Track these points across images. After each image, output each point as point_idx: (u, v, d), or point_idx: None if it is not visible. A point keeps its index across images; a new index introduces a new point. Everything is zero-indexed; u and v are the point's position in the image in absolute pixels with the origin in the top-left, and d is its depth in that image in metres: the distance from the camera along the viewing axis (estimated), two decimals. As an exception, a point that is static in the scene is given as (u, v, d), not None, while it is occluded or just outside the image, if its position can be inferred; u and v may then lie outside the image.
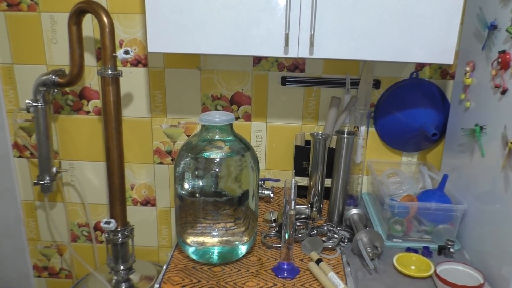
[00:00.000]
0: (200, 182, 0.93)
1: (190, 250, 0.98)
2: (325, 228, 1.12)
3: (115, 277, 1.30)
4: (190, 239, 0.97)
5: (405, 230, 1.09)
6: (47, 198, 1.40)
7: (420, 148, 1.33)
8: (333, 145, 1.27)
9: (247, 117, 1.35)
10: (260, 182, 1.31)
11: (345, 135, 1.10)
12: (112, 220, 1.22)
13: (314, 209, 1.21)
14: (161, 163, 1.43)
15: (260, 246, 1.07)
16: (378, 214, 1.21)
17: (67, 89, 1.37)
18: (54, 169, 1.36)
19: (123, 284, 1.30)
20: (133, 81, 1.35)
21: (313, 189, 1.20)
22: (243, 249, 1.01)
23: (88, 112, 1.39)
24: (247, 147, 0.98)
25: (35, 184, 1.33)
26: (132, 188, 1.46)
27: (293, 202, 0.93)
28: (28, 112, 1.30)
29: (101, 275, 1.32)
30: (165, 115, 1.37)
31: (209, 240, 0.96)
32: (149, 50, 1.03)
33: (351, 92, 1.29)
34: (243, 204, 0.97)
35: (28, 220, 1.53)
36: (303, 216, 1.18)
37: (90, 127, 1.40)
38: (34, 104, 1.27)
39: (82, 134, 1.41)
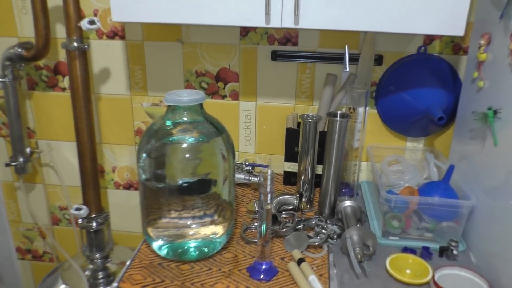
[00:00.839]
0: (165, 170, 0.81)
1: (156, 245, 0.87)
2: (313, 222, 1.00)
3: (91, 266, 1.21)
4: (156, 233, 0.87)
5: (403, 226, 0.96)
6: (21, 180, 1.31)
7: (428, 133, 1.18)
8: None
9: (235, 96, 1.22)
10: (248, 168, 1.19)
11: (338, 118, 0.97)
12: (83, 207, 1.12)
13: (303, 199, 1.08)
14: (143, 144, 1.32)
15: (238, 241, 0.96)
16: (375, 207, 1.08)
17: (41, 64, 1.26)
18: (28, 150, 1.27)
19: (100, 273, 1.21)
20: (110, 55, 1.22)
21: (302, 177, 1.07)
22: (217, 244, 0.90)
23: (64, 89, 1.28)
24: (220, 130, 0.86)
25: (6, 165, 1.24)
26: (113, 171, 1.36)
27: (269, 196, 0.80)
28: (-4, 88, 1.20)
29: (78, 262, 1.24)
30: (146, 93, 1.25)
31: (176, 234, 0.85)
32: (113, 19, 0.90)
33: (350, 68, 1.14)
34: (213, 194, 0.85)
35: (8, 202, 1.46)
36: (291, 207, 1.06)
37: (66, 105, 1.29)
38: (1, 80, 1.16)
39: (58, 113, 1.30)
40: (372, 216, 1.05)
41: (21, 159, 1.26)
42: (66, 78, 1.27)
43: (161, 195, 0.83)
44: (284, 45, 1.15)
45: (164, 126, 0.83)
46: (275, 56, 1.16)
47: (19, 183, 1.42)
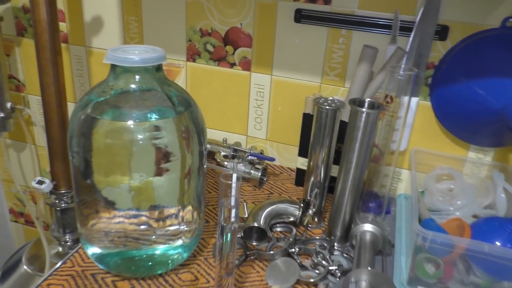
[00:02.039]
0: (102, 157, 0.57)
1: (91, 252, 0.65)
2: (314, 246, 0.72)
3: (60, 248, 1.03)
4: (90, 236, 0.64)
5: (440, 275, 0.65)
6: (2, 137, 1.15)
7: (501, 143, 0.84)
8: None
9: (246, 65, 0.95)
10: (250, 157, 0.92)
11: (364, 109, 0.67)
12: (46, 180, 0.92)
13: (309, 211, 0.80)
14: (138, 113, 1.09)
15: (207, 257, 0.71)
16: (409, 236, 0.78)
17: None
18: (9, 105, 1.09)
19: (70, 257, 1.02)
20: (102, 1, 0.99)
21: (311, 179, 0.79)
22: (174, 258, 0.65)
23: (53, 38, 1.07)
24: (183, 104, 0.60)
25: (-17, 120, 1.08)
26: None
27: (233, 211, 0.54)
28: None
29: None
30: (142, 51, 1.01)
31: (118, 239, 0.62)
32: None
33: (398, 41, 0.81)
34: (170, 191, 0.60)
35: (-1, 159, 1.32)
36: (291, 218, 0.78)
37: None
38: (-25, 19, 0.98)
39: (48, 65, 1.11)
40: (401, 249, 0.75)
41: (1, 114, 1.09)
42: (64, 25, 1.06)
43: (97, 189, 0.59)
44: (313, 2, 0.85)
45: (104, 96, 0.58)
46: (300, 16, 0.86)
47: (10, 140, 1.26)
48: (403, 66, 0.72)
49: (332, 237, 0.76)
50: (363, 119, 0.66)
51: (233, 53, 0.95)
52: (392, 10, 0.81)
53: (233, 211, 0.54)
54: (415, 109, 0.85)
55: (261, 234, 0.74)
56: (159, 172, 0.57)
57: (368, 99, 0.70)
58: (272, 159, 0.91)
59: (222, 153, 0.97)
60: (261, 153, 0.96)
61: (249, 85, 0.96)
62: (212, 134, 1.04)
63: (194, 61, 0.98)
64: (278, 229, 0.79)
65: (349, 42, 0.86)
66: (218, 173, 0.96)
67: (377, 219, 0.81)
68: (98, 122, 0.56)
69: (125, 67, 0.57)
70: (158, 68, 0.59)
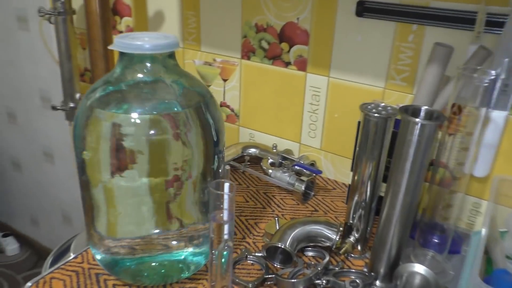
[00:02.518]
0: (106, 154, 0.53)
1: (97, 254, 0.60)
2: (348, 282, 0.59)
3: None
4: (97, 239, 0.59)
5: None
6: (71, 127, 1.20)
7: None
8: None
9: (302, 64, 0.85)
10: (296, 168, 0.82)
11: (418, 119, 0.52)
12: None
13: (351, 237, 0.67)
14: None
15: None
16: None
17: (101, 0, 1.09)
18: (78, 95, 1.13)
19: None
20: (164, -5, 0.98)
21: (355, 198, 0.66)
22: (182, 267, 0.59)
23: (121, 32, 1.09)
24: (189, 98, 0.53)
25: (53, 108, 1.13)
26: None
27: (226, 227, 0.45)
28: (50, 22, 1.07)
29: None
30: (199, 47, 0.97)
31: (124, 245, 0.57)
32: None
33: (482, 38, 0.65)
34: (175, 195, 0.53)
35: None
36: (327, 244, 0.66)
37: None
38: (50, 12, 1.02)
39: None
40: (462, 301, 0.59)
41: (71, 104, 1.13)
42: (124, 20, 1.07)
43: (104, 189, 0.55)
44: (379, -8, 0.73)
45: (111, 87, 0.53)
46: (362, 9, 0.74)
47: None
48: (490, 70, 0.56)
49: (373, 274, 0.62)
50: (416, 132, 0.52)
51: (289, 51, 0.85)
52: (477, 1, 0.65)
53: (226, 227, 0.45)
54: (503, 126, 0.67)
55: (288, 255, 0.64)
56: (152, 172, 0.50)
57: (425, 107, 0.55)
58: (319, 172, 0.80)
59: (270, 160, 0.88)
60: (312, 164, 0.85)
61: (304, 87, 0.86)
62: (263, 138, 0.96)
63: (248, 58, 0.91)
64: (310, 254, 0.67)
65: (420, 40, 0.71)
66: (262, 182, 0.88)
67: (438, 258, 0.65)
68: (102, 116, 0.51)
69: (135, 55, 0.51)
70: (170, 56, 0.52)
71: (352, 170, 0.76)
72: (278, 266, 0.64)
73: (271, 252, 0.65)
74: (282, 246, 0.62)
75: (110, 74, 0.54)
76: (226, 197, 0.43)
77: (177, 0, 0.96)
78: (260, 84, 0.92)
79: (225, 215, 0.44)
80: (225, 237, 0.45)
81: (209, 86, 1.00)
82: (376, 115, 0.59)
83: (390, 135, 0.61)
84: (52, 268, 0.63)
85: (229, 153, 0.90)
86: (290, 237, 0.64)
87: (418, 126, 0.52)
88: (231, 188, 0.44)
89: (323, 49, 0.81)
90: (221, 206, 0.44)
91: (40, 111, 1.51)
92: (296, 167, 0.82)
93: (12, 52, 1.50)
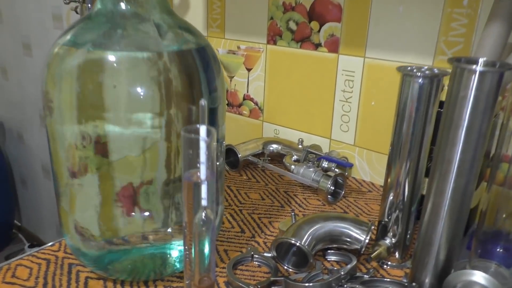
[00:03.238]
0: (70, 103, 0.43)
1: (68, 239, 0.50)
2: (377, 292, 0.45)
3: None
4: (69, 220, 0.49)
5: None
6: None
7: None
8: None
9: (333, 45, 0.74)
10: (325, 164, 0.69)
11: (478, 67, 0.39)
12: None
13: (385, 240, 0.53)
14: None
15: (219, 274, 0.50)
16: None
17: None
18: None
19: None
20: (189, -21, 0.91)
21: (389, 197, 0.52)
22: (172, 259, 0.47)
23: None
24: (177, 41, 0.43)
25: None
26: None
27: (203, 189, 0.33)
28: (77, 13, 1.03)
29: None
30: (223, 35, 0.89)
31: (96, 230, 0.46)
32: None
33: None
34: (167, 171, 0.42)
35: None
36: (355, 246, 0.52)
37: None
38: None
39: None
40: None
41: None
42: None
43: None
44: (426, -51, 0.61)
45: (87, 28, 0.44)
46: (405, -30, 0.62)
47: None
48: None
49: (415, 284, 0.47)
50: (472, 84, 0.39)
51: (319, 31, 0.75)
52: None
53: (203, 189, 0.33)
54: None
55: (303, 257, 0.51)
56: (126, 123, 0.40)
57: (484, 58, 0.42)
58: (349, 165, 0.66)
59: (294, 157, 0.76)
60: (344, 159, 0.72)
61: (336, 71, 0.74)
62: (289, 134, 0.84)
63: (274, 43, 0.81)
64: (332, 258, 0.53)
65: (477, 3, 0.58)
66: (284, 180, 0.75)
67: (504, 273, 0.50)
68: (70, 51, 0.42)
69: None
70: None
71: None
72: (291, 270, 0.51)
73: (283, 251, 0.52)
74: (297, 243, 0.49)
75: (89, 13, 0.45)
76: (202, 144, 0.32)
77: (202, -16, 0.89)
78: (287, 71, 0.81)
79: (202, 172, 0.33)
80: (203, 203, 0.34)
81: (232, 77, 0.91)
82: (419, 74, 0.46)
83: (435, 108, 0.48)
84: (23, 255, 0.54)
85: (248, 148, 0.79)
86: (308, 233, 0.51)
87: (475, 76, 0.39)
88: (209, 134, 0.32)
89: (358, 25, 0.70)
90: (197, 160, 0.32)
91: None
92: (322, 160, 0.69)
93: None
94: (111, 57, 0.39)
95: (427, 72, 0.46)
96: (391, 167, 0.51)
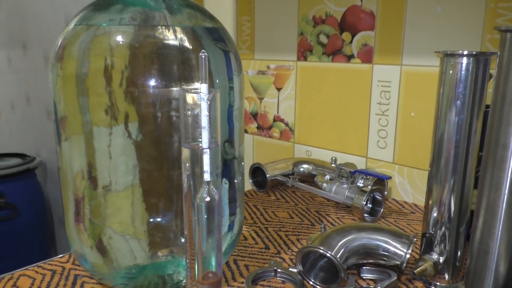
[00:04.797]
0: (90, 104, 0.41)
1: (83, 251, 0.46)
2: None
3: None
4: (81, 231, 0.45)
5: None
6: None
7: None
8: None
9: (367, 55, 0.69)
10: (362, 181, 0.63)
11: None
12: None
13: (432, 255, 0.45)
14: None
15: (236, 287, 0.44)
16: None
17: None
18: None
19: None
20: (221, 2, 0.91)
21: (434, 212, 0.45)
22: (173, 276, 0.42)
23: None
24: (210, 21, 0.40)
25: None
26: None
27: (205, 176, 0.29)
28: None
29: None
30: (253, 55, 0.87)
31: (116, 238, 0.42)
32: None
33: None
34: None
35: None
36: (395, 262, 0.45)
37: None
38: None
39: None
40: None
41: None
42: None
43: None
44: None
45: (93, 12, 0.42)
46: (441, -33, 0.59)
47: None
48: None
49: (469, 307, 0.39)
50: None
51: (351, 41, 0.71)
52: None
53: (205, 159, 0.29)
54: None
55: (332, 272, 0.44)
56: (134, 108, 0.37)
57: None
58: (387, 177, 0.59)
59: (326, 176, 0.70)
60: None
61: (371, 83, 0.70)
62: (322, 155, 0.78)
63: (305, 59, 0.78)
64: (368, 276, 0.46)
65: (526, -7, 0.53)
66: (316, 201, 0.69)
67: None
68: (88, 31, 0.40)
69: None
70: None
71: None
72: (318, 286, 0.44)
73: (309, 265, 0.45)
74: (327, 253, 0.42)
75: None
76: (203, 105, 0.28)
77: (232, 7, 0.89)
78: (318, 87, 0.77)
79: (204, 138, 0.28)
80: (205, 177, 0.29)
81: (262, 98, 0.88)
82: (465, 53, 0.40)
83: (483, 101, 0.41)
84: (30, 266, 0.50)
85: (277, 168, 0.74)
86: (339, 244, 0.44)
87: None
88: (210, 93, 0.28)
89: (393, 32, 0.66)
90: (198, 124, 0.28)
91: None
92: (357, 175, 0.63)
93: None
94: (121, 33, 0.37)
95: (472, 51, 0.40)
96: (434, 170, 0.44)
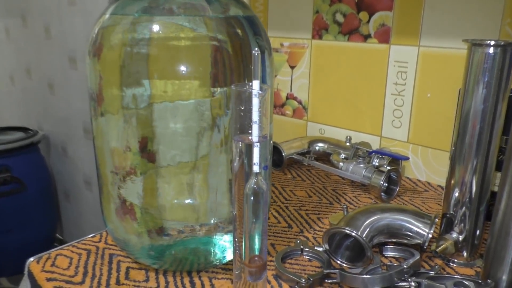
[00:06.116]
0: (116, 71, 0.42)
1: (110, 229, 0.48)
2: (446, 283, 0.40)
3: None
4: (112, 207, 0.47)
5: None
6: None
7: None
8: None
9: (384, 36, 0.70)
10: (377, 160, 0.65)
11: None
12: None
13: (451, 234, 0.47)
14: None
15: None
16: None
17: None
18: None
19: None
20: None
21: (455, 191, 0.47)
22: (223, 251, 0.45)
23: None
24: (244, 10, 0.41)
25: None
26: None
27: (255, 168, 0.30)
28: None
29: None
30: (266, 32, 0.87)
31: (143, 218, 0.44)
32: None
33: None
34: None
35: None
36: (416, 241, 0.47)
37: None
38: None
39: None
40: None
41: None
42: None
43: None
44: None
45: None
46: None
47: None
48: None
49: (490, 281, 0.41)
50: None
51: (368, 21, 0.72)
52: None
53: (255, 153, 0.30)
54: None
55: (358, 251, 0.46)
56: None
57: None
58: (405, 158, 0.62)
59: (342, 155, 0.72)
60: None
61: (387, 63, 0.71)
62: (335, 133, 0.80)
63: (320, 37, 0.79)
64: (391, 254, 0.48)
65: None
66: (332, 179, 0.71)
67: None
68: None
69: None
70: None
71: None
72: (345, 265, 0.46)
73: (334, 245, 0.48)
74: (353, 233, 0.45)
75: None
76: (255, 101, 0.29)
77: (244, -17, 0.88)
78: (333, 66, 0.78)
79: (254, 132, 0.30)
80: (255, 168, 0.31)
81: (275, 76, 0.88)
82: (492, 43, 0.41)
83: (508, 86, 0.43)
84: (63, 245, 0.52)
85: (292, 146, 0.76)
86: (364, 225, 0.47)
87: None
88: (263, 90, 0.30)
89: (412, 12, 0.66)
90: (249, 118, 0.30)
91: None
92: (373, 155, 0.65)
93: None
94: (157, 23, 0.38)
95: (500, 42, 0.42)
96: (457, 150, 0.46)
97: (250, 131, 0.30)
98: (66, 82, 1.74)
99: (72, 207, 1.99)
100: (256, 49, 0.29)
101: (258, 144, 0.30)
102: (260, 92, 0.29)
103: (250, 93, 0.29)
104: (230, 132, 0.37)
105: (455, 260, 0.48)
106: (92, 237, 0.54)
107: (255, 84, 0.29)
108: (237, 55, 0.39)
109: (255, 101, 0.29)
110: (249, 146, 0.30)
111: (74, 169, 1.88)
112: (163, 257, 0.45)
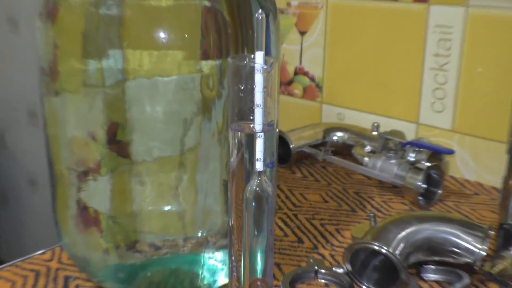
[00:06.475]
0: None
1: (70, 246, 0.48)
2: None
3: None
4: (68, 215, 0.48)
5: None
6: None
7: None
8: None
9: (422, -8, 0.70)
10: (413, 155, 0.65)
11: None
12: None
13: (510, 251, 0.48)
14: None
15: (270, 295, 0.47)
16: None
17: None
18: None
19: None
20: None
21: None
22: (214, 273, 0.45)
23: None
24: None
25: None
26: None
27: (258, 165, 0.30)
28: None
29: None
30: (268, -12, 0.87)
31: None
32: None
33: None
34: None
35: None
36: (465, 259, 0.48)
37: None
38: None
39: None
40: None
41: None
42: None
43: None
44: None
45: None
46: None
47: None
48: None
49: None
50: None
51: (401, -27, 0.72)
52: None
53: (258, 145, 0.30)
54: None
55: (389, 272, 0.46)
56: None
57: None
58: (449, 152, 0.62)
59: (367, 147, 0.72)
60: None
61: (425, 29, 0.71)
62: (358, 119, 0.81)
63: (339, -5, 0.79)
64: (432, 277, 0.49)
65: None
66: (354, 179, 0.71)
67: None
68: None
69: None
70: None
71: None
72: (372, 290, 0.47)
73: (360, 264, 0.48)
74: (383, 249, 0.45)
75: None
76: (258, 77, 0.29)
77: None
78: (355, 33, 0.78)
79: (257, 119, 0.29)
80: (257, 166, 0.30)
81: (281, 44, 0.88)
82: None
83: None
84: (2, 265, 0.52)
85: (303, 136, 0.76)
86: (397, 238, 0.47)
87: None
88: (268, 63, 0.29)
89: (459, -39, 0.66)
90: (249, 100, 0.29)
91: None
92: (408, 148, 0.65)
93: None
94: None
95: None
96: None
97: (251, 118, 0.30)
98: (4, 51, 1.72)
99: (11, 214, 1.99)
100: (260, 11, 0.28)
101: (262, 134, 0.30)
102: (264, 66, 0.28)
103: (252, 67, 0.29)
104: (226, 119, 0.38)
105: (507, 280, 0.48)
106: (41, 254, 0.54)
107: (259, 56, 0.29)
108: (234, 18, 0.39)
109: (259, 79, 0.29)
110: (251, 137, 0.30)
111: (14, 164, 1.88)
112: (135, 281, 0.45)
